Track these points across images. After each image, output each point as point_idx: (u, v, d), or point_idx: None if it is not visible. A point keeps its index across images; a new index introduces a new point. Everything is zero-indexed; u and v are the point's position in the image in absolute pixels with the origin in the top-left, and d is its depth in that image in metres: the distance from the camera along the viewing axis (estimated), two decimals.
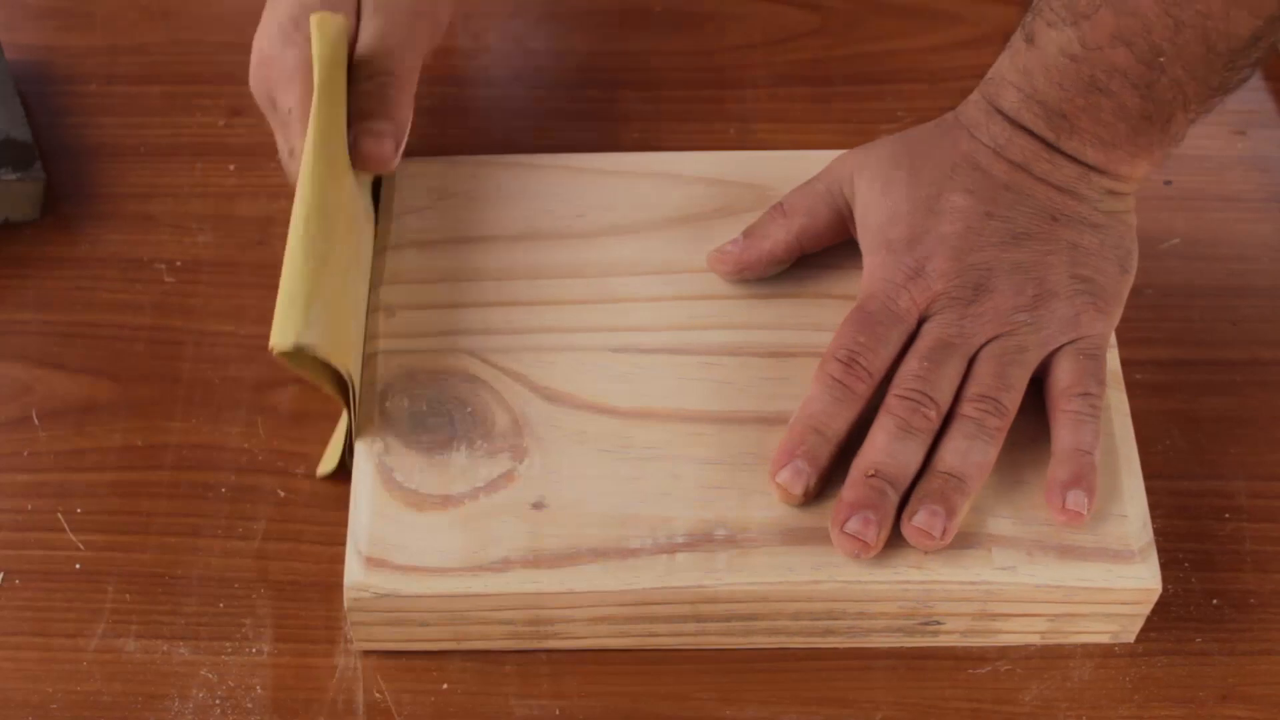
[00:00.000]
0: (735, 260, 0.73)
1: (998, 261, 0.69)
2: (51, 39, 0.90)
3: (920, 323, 0.70)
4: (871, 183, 0.72)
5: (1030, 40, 0.69)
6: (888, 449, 0.67)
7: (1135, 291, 0.72)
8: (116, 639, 0.69)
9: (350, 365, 0.67)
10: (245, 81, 0.87)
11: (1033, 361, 0.69)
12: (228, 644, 0.69)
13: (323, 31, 0.72)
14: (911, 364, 0.68)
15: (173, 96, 0.87)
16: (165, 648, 0.68)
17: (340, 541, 0.71)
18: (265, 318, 0.78)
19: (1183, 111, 0.68)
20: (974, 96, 0.72)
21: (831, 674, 0.68)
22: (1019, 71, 0.70)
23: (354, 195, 0.72)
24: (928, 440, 0.67)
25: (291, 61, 0.73)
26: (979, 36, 0.91)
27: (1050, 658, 0.69)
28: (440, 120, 0.86)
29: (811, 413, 0.68)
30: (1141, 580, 0.66)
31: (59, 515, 0.72)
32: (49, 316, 0.79)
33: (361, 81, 0.74)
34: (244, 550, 0.71)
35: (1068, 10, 0.68)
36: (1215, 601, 0.71)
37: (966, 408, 0.68)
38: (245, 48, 0.90)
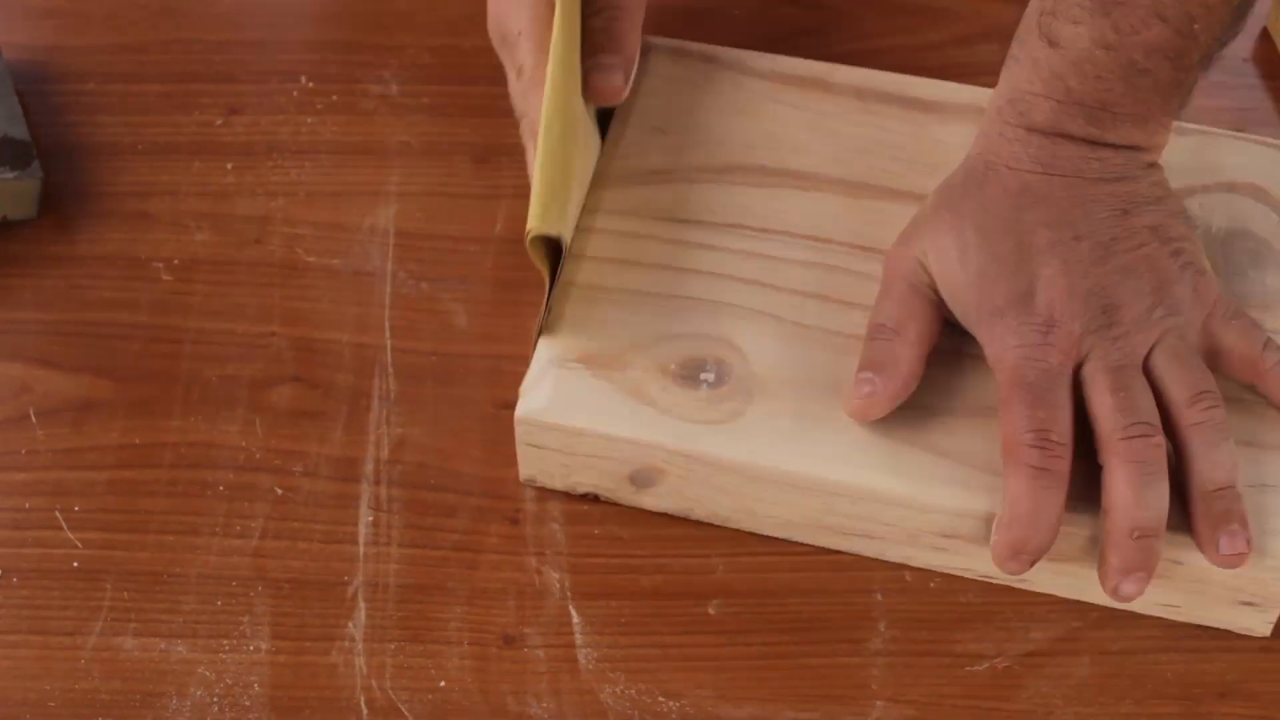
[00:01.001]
0: (885, 397, 0.69)
1: (1107, 279, 0.68)
2: (50, 38, 0.90)
3: (1075, 370, 0.68)
4: (945, 257, 0.70)
5: (1053, 44, 0.69)
6: (1139, 500, 0.64)
7: None
8: (114, 637, 0.69)
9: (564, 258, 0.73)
10: (243, 80, 0.88)
11: (1196, 346, 0.68)
12: (225, 642, 0.69)
13: None
14: (1108, 401, 0.66)
15: (170, 95, 0.87)
16: (163, 646, 0.68)
17: (338, 540, 0.71)
18: (264, 316, 0.78)
19: (1201, 71, 0.70)
20: (993, 129, 0.71)
21: (828, 670, 0.68)
22: (1045, 80, 0.69)
23: (585, 112, 0.77)
24: (1165, 471, 0.65)
25: None
26: (975, 33, 0.90)
27: (1049, 654, 0.69)
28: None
29: (1021, 514, 0.65)
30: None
31: (57, 513, 0.72)
32: (47, 315, 0.79)
33: (590, 17, 0.77)
34: (242, 548, 0.71)
35: (1095, 2, 0.68)
36: None
37: (1190, 415, 0.66)
38: (244, 46, 0.90)
